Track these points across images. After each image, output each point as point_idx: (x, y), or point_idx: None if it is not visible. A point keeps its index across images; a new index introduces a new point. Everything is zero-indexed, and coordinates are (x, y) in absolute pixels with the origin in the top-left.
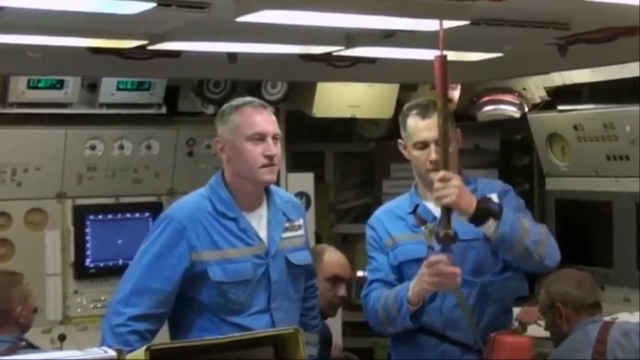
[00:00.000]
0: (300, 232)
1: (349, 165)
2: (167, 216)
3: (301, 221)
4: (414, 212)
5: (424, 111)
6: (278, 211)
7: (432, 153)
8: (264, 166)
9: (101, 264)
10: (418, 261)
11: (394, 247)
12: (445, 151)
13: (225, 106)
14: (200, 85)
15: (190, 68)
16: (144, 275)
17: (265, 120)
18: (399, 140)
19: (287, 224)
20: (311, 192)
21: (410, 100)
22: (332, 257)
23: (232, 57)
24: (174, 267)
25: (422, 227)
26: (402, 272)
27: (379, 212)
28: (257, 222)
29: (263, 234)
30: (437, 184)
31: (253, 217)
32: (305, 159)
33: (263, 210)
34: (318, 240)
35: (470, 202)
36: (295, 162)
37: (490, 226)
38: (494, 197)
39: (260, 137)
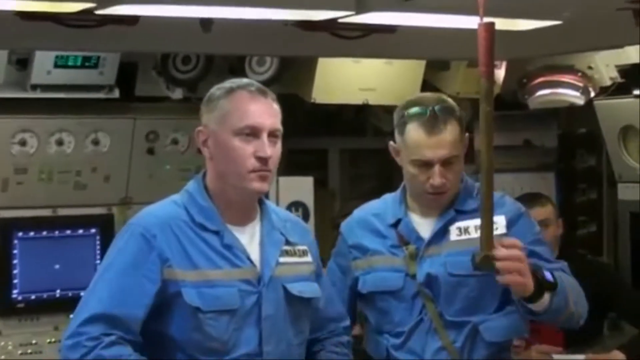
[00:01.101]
0: (307, 259)
1: (359, 166)
2: (132, 224)
3: (306, 247)
4: (396, 225)
5: (431, 124)
6: (274, 229)
7: (436, 176)
8: (254, 171)
9: (32, 297)
10: (391, 294)
11: (366, 272)
12: (488, 147)
13: (214, 88)
14: (164, 62)
15: (150, 39)
16: (104, 301)
17: (262, 111)
18: (390, 143)
19: (286, 247)
20: (310, 201)
21: (439, 82)
22: None
23: (207, 24)
24: (144, 286)
25: (404, 249)
26: (368, 303)
27: (353, 219)
28: (248, 241)
29: (255, 255)
30: (501, 252)
31: (242, 233)
32: (303, 159)
33: (256, 227)
34: None
35: (530, 278)
36: (290, 162)
37: (544, 301)
38: (502, 223)
39: (253, 133)
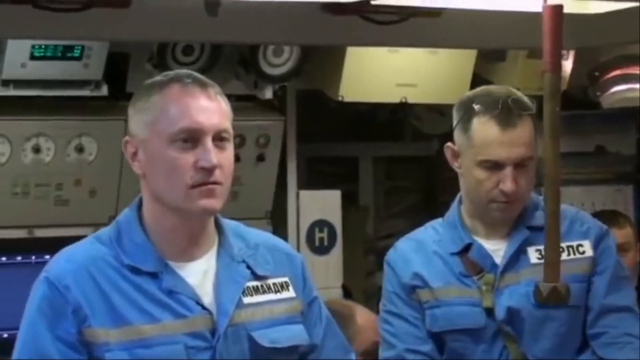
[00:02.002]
0: (286, 294)
1: (397, 178)
2: (43, 272)
3: (287, 279)
4: (461, 253)
5: (505, 116)
6: (233, 261)
7: (508, 181)
8: (196, 185)
9: (5, 335)
10: (468, 332)
11: (433, 305)
12: (555, 155)
13: (143, 84)
14: (161, 53)
15: (145, 25)
16: None
17: (202, 108)
18: (448, 144)
19: (253, 282)
20: (337, 220)
21: (494, 76)
22: (370, 320)
23: (212, 7)
24: (59, 351)
25: (476, 279)
26: (441, 342)
27: (403, 246)
28: (200, 281)
29: (209, 298)
30: None
31: (191, 270)
32: (328, 169)
33: (211, 260)
34: (347, 295)
35: None
36: (313, 173)
37: None
38: (587, 244)
39: (191, 138)
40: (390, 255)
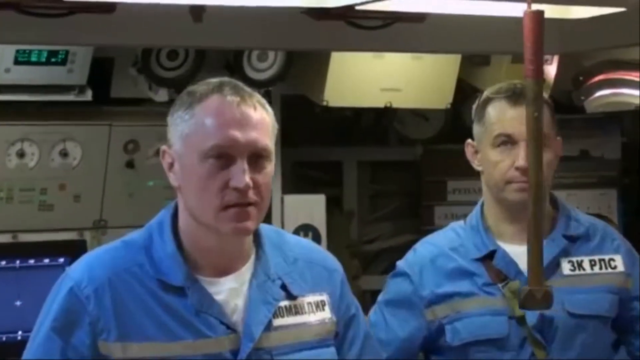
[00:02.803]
0: (322, 315)
1: (382, 182)
2: (66, 276)
3: (324, 297)
4: (484, 259)
5: (516, 97)
6: (269, 279)
7: (521, 157)
8: (230, 206)
9: None
10: (494, 342)
11: (453, 319)
12: (537, 159)
13: (184, 92)
14: (145, 58)
15: (130, 30)
16: None
17: (239, 123)
18: (469, 141)
19: (286, 302)
20: (322, 224)
21: (478, 80)
22: None
23: (197, 12)
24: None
25: (500, 286)
26: (463, 354)
27: (422, 256)
28: (231, 297)
29: (237, 316)
30: None
31: (222, 286)
32: (313, 173)
33: (245, 275)
34: None
35: None
36: (297, 177)
37: None
38: (619, 259)
39: (225, 155)
40: (409, 259)
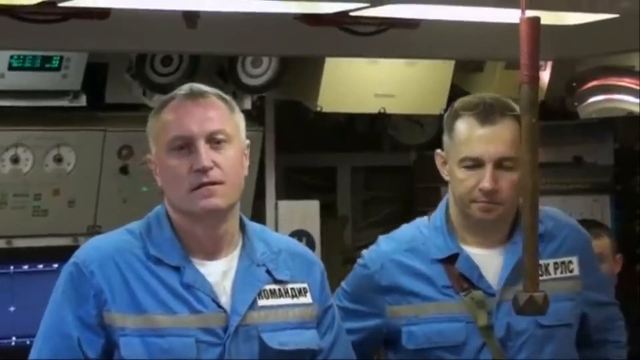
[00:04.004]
0: (303, 299)
1: (375, 188)
2: (72, 258)
3: (306, 285)
4: (445, 261)
5: (486, 114)
6: (253, 264)
7: (487, 179)
8: (196, 187)
9: None
10: (449, 349)
11: (411, 322)
12: (533, 166)
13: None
14: (140, 64)
15: (124, 36)
16: (43, 352)
17: (192, 114)
18: (438, 151)
19: (271, 286)
20: (315, 230)
21: (472, 86)
22: None
23: (191, 18)
24: (79, 330)
25: (462, 294)
26: (421, 355)
27: (384, 252)
28: (220, 279)
29: (226, 297)
30: None
31: (213, 268)
32: (307, 179)
33: (232, 261)
34: None
35: None
36: (291, 183)
37: None
38: (575, 261)
39: (186, 144)
40: (372, 254)
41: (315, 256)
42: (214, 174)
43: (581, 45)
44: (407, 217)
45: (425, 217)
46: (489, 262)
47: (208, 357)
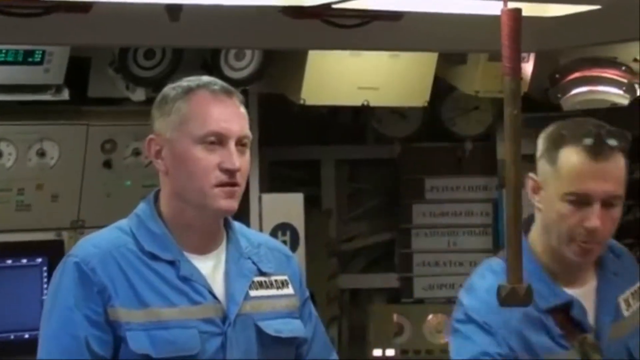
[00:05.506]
0: (287, 291)
1: (359, 180)
2: (67, 257)
3: (286, 277)
4: (554, 311)
5: (599, 148)
6: (241, 257)
7: (594, 217)
8: (220, 185)
9: None
10: None
11: None
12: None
13: (168, 87)
14: (122, 57)
15: (106, 30)
16: (52, 353)
17: (229, 114)
18: (531, 175)
19: (259, 278)
20: (300, 223)
21: (455, 78)
22: None
23: (174, 11)
24: (87, 329)
25: (574, 343)
26: None
27: (483, 294)
28: (211, 272)
29: (219, 289)
30: None
31: (204, 263)
32: (291, 172)
33: (221, 255)
34: (310, 298)
35: None
36: (275, 176)
37: None
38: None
39: (218, 140)
40: (476, 306)
41: (289, 250)
42: (238, 177)
43: (564, 37)
44: (392, 209)
45: (495, 259)
46: (585, 301)
47: (211, 347)
